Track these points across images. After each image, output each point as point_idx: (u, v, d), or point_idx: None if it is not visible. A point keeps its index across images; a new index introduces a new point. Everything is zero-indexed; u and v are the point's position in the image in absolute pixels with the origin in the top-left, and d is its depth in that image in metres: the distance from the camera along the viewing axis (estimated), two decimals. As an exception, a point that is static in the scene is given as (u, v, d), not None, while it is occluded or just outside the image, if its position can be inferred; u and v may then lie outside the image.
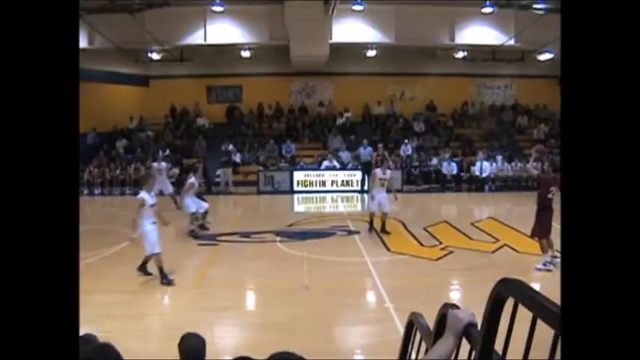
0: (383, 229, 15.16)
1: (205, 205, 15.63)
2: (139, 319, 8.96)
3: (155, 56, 26.73)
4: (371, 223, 15.37)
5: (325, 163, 25.68)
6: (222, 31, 24.43)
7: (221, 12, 23.42)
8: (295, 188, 24.65)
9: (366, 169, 23.80)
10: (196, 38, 24.65)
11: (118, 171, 25.38)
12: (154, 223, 10.87)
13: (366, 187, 23.71)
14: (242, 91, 30.88)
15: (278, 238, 14.83)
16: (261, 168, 25.71)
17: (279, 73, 29.71)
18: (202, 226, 15.71)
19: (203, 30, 24.41)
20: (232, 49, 26.49)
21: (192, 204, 15.19)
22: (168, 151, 26.70)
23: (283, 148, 27.43)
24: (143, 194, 10.92)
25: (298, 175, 24.94)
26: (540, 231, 11.62)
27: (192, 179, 15.23)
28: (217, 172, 24.53)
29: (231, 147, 25.35)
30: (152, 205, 10.93)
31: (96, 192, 24.62)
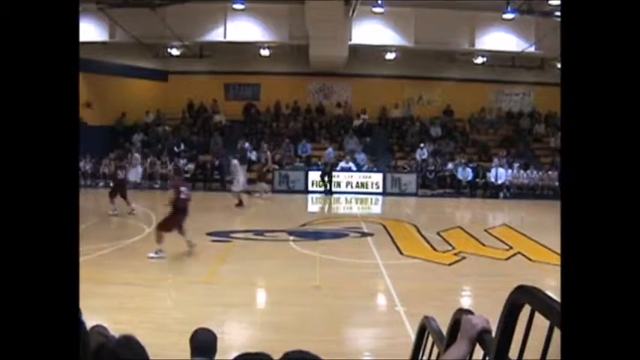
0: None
1: None
2: (150, 312, 8.98)
3: (174, 52, 26.82)
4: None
5: (341, 165, 25.69)
6: (242, 28, 24.47)
7: (241, 10, 23.47)
8: (310, 188, 24.66)
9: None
10: (216, 35, 24.71)
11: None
12: None
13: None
14: (260, 90, 30.88)
15: (291, 238, 14.85)
16: (276, 167, 25.72)
17: (297, 72, 29.70)
18: None
19: (223, 27, 24.48)
20: (251, 47, 26.51)
21: None
22: (184, 147, 26.81)
23: (299, 148, 27.44)
24: None
25: (313, 175, 24.95)
26: (170, 226, 12.39)
27: None
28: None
29: (247, 145, 25.40)
30: None
31: (112, 184, 24.64)
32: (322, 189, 24.56)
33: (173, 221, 12.45)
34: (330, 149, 25.86)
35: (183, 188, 12.60)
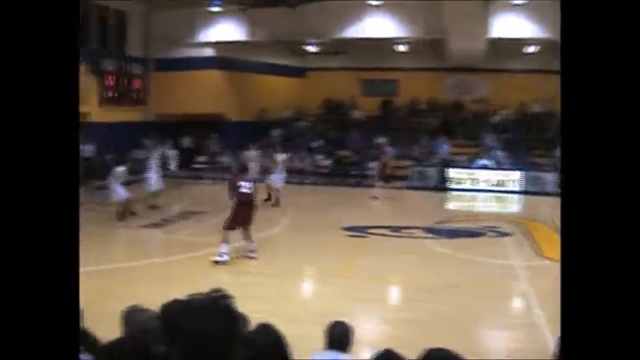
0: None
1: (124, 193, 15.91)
2: (283, 302, 9.22)
3: (312, 49, 27.25)
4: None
5: (479, 162, 25.15)
6: (379, 24, 24.45)
7: (378, 6, 23.49)
8: (446, 185, 24.31)
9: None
10: (353, 31, 24.83)
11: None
12: None
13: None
14: (396, 85, 30.80)
15: (427, 235, 14.71)
16: (413, 163, 25.55)
17: (434, 68, 29.35)
18: (132, 213, 16.14)
19: (360, 23, 24.57)
20: (388, 43, 26.49)
21: (120, 191, 15.68)
22: (321, 142, 27.18)
23: (436, 144, 27.11)
24: None
25: (450, 172, 24.57)
26: (233, 224, 11.70)
27: (121, 168, 15.93)
28: (369, 165, 24.67)
29: (384, 140, 25.41)
30: None
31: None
32: (438, 185, 24.11)
33: (236, 218, 11.77)
34: (445, 145, 25.29)
35: (241, 182, 11.87)
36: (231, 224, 11.75)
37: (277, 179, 19.04)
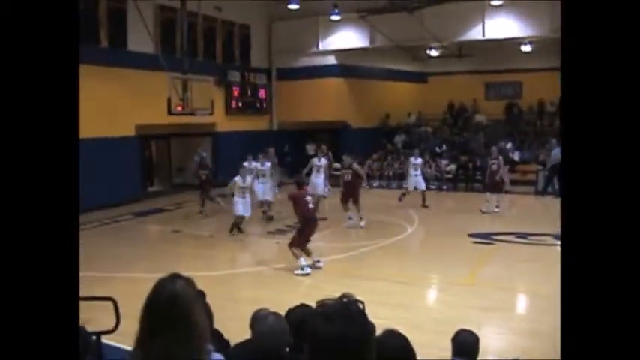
0: None
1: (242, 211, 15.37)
2: (410, 309, 9.22)
3: (434, 53, 27.02)
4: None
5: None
6: (501, 25, 23.86)
7: (500, 6, 22.94)
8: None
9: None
10: (474, 34, 24.37)
11: (396, 165, 25.99)
12: None
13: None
14: (521, 87, 29.98)
15: (556, 242, 14.18)
16: (540, 167, 24.73)
17: (559, 67, 28.31)
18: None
19: (481, 25, 24.11)
20: (511, 43, 25.81)
21: (240, 204, 15.14)
22: (445, 147, 26.86)
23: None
24: None
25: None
26: (302, 242, 11.34)
27: (236, 179, 15.30)
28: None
29: (509, 145, 24.76)
30: None
31: (374, 184, 25.27)
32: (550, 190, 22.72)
33: (305, 236, 11.50)
34: (557, 149, 24.02)
35: (308, 197, 11.67)
36: (299, 243, 11.47)
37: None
